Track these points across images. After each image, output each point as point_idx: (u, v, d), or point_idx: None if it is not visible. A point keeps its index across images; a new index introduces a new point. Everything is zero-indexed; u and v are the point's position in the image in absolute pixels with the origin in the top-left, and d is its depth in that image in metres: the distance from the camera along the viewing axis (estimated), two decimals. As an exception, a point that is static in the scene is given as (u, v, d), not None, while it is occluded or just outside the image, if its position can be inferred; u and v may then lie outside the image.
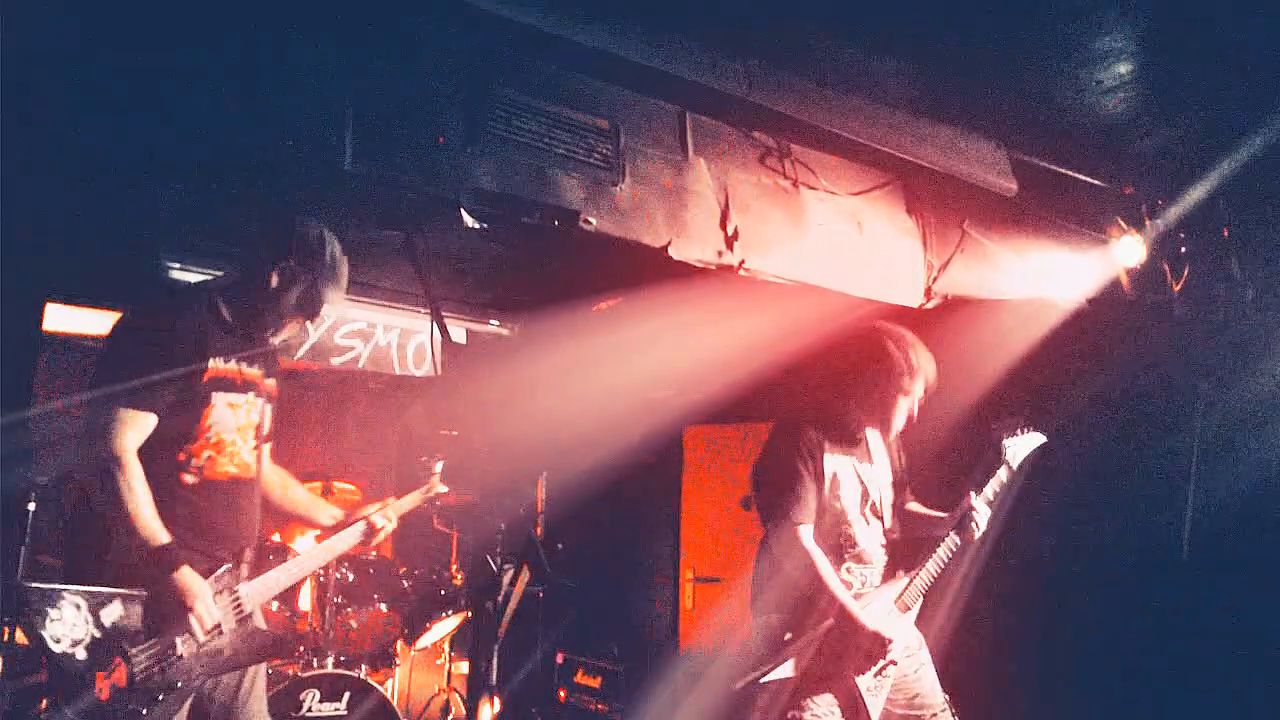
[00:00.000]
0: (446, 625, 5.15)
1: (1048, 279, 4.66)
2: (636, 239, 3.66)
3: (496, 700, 5.55)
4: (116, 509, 2.71)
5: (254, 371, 3.06)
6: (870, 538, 3.59)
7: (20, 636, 2.85)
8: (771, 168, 4.24)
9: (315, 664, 4.46)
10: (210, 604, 2.80)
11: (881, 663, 3.46)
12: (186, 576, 2.75)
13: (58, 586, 2.61)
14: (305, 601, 4.73)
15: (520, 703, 5.87)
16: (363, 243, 3.97)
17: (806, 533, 3.48)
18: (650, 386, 6.05)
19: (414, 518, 5.33)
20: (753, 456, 3.67)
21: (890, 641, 3.40)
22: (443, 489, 3.59)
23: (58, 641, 2.55)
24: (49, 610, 2.55)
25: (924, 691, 3.55)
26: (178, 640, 2.75)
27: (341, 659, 4.60)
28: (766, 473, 3.59)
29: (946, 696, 3.59)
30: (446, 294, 4.33)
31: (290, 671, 4.39)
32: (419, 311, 4.58)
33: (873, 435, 3.79)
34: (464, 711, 5.43)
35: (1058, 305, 4.69)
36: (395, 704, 5.00)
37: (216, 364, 2.95)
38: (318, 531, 3.42)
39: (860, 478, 3.62)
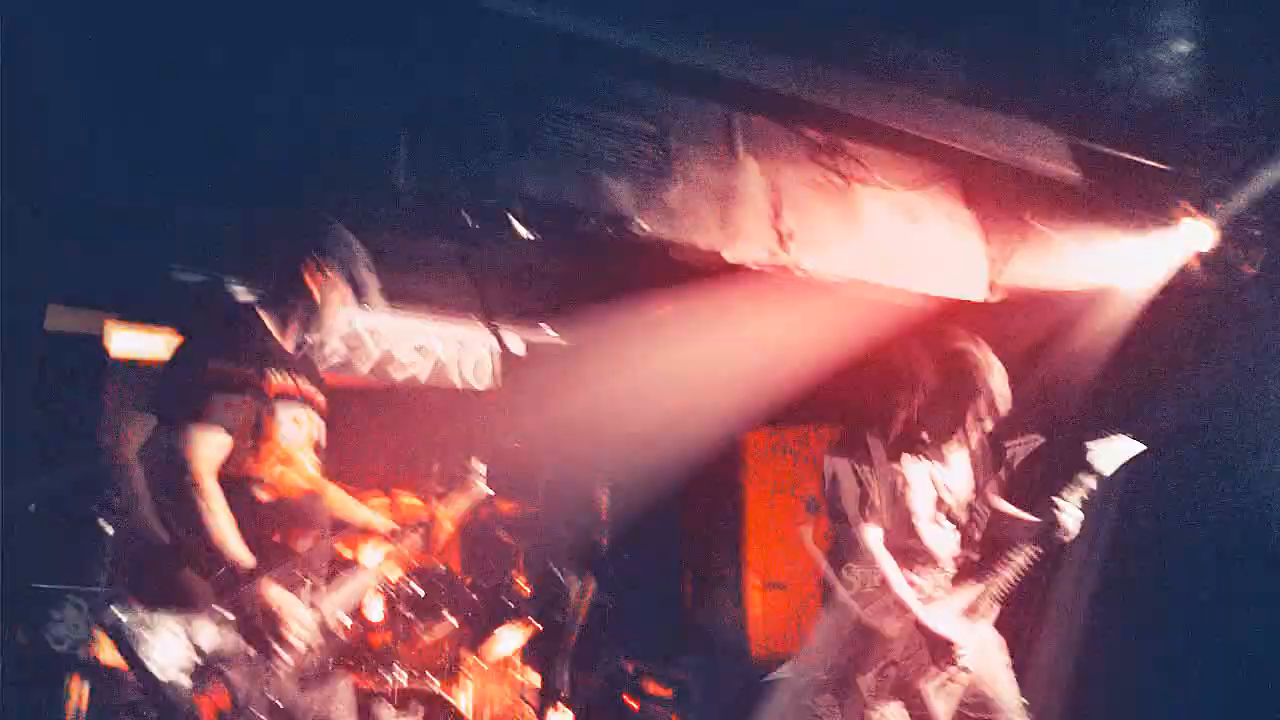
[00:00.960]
0: (516, 637, 5.15)
1: (1115, 267, 4.53)
2: (689, 242, 3.65)
3: (568, 711, 5.57)
4: (200, 532, 2.74)
5: (309, 386, 3.09)
6: (942, 542, 3.52)
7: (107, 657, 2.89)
8: (823, 164, 4.19)
9: (387, 677, 4.49)
10: (305, 620, 2.82)
11: (950, 669, 3.39)
12: (277, 595, 2.77)
13: (154, 613, 2.64)
14: (375, 615, 4.76)
15: (591, 714, 5.85)
16: (419, 257, 4.03)
17: (874, 536, 3.43)
18: (710, 390, 6.02)
19: (478, 529, 5.38)
20: (816, 459, 3.64)
21: (958, 647, 3.33)
22: (488, 490, 3.58)
23: (163, 670, 2.58)
24: (148, 637, 2.58)
25: (1000, 696, 3.46)
26: (273, 659, 2.78)
27: (413, 672, 4.63)
28: (834, 476, 3.55)
29: (1025, 702, 3.50)
30: (504, 305, 4.34)
31: (363, 685, 4.42)
32: (477, 324, 4.60)
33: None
34: (537, 723, 5.43)
35: (1126, 294, 4.56)
36: (468, 716, 5.03)
37: (277, 379, 2.99)
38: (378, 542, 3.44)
39: (934, 481, 3.56)
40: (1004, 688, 3.49)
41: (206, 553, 2.73)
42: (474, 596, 5.14)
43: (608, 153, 3.52)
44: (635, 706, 6.00)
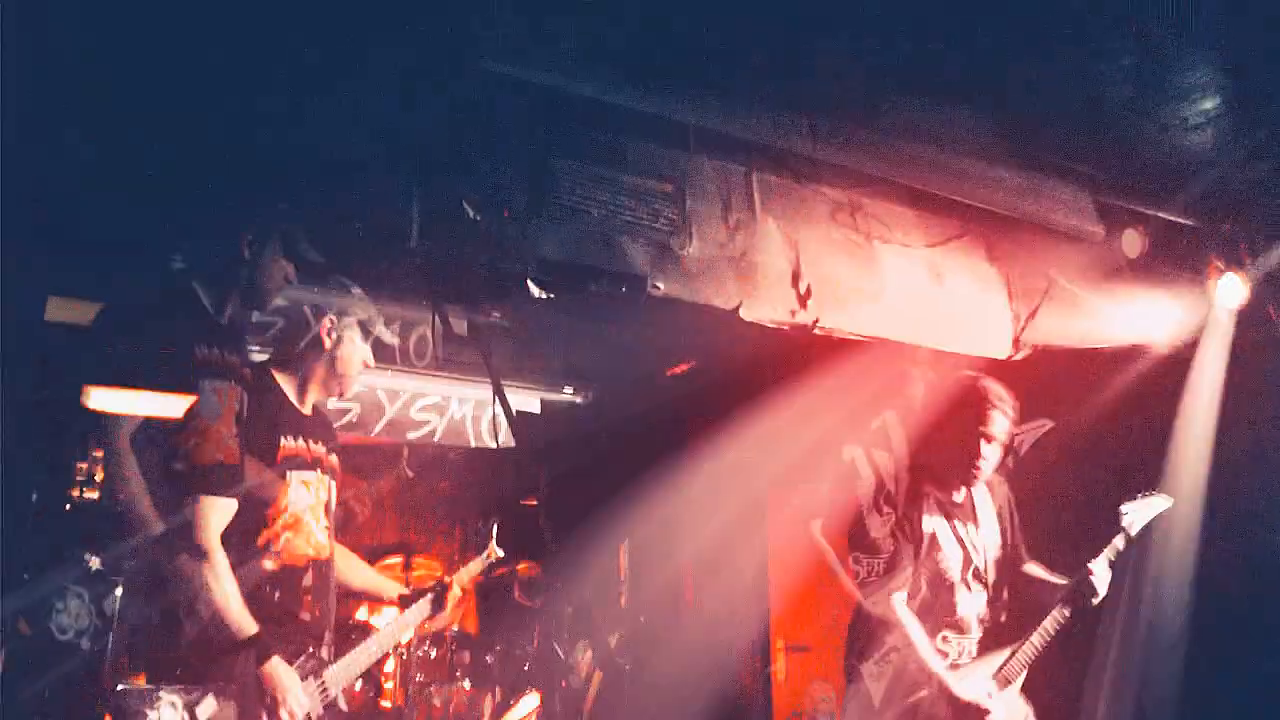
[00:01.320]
0: (532, 702, 5.05)
1: (1143, 324, 4.44)
2: (706, 302, 3.59)
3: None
4: (204, 602, 2.68)
5: (319, 448, 3.06)
6: (970, 605, 3.43)
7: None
8: (842, 223, 4.14)
9: (399, 744, 4.41)
10: (300, 694, 2.76)
11: None
12: (276, 668, 2.72)
13: (153, 688, 2.59)
14: (387, 679, 4.69)
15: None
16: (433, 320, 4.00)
17: (900, 600, 3.35)
18: (731, 447, 5.93)
19: (496, 591, 5.31)
20: (843, 518, 3.57)
21: (988, 714, 3.24)
22: (499, 553, 3.53)
23: None
24: (147, 712, 2.54)
25: None
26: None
27: (426, 737, 4.55)
28: (856, 542, 3.50)
29: None
30: (519, 364, 4.32)
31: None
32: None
33: (980, 495, 3.63)
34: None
35: (1155, 350, 4.47)
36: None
37: (288, 442, 2.95)
38: (393, 608, 3.38)
39: (962, 541, 3.48)
40: None
41: (210, 623, 2.68)
42: (488, 659, 5.07)
43: (623, 212, 3.48)
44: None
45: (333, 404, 4.44)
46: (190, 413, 2.92)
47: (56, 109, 2.77)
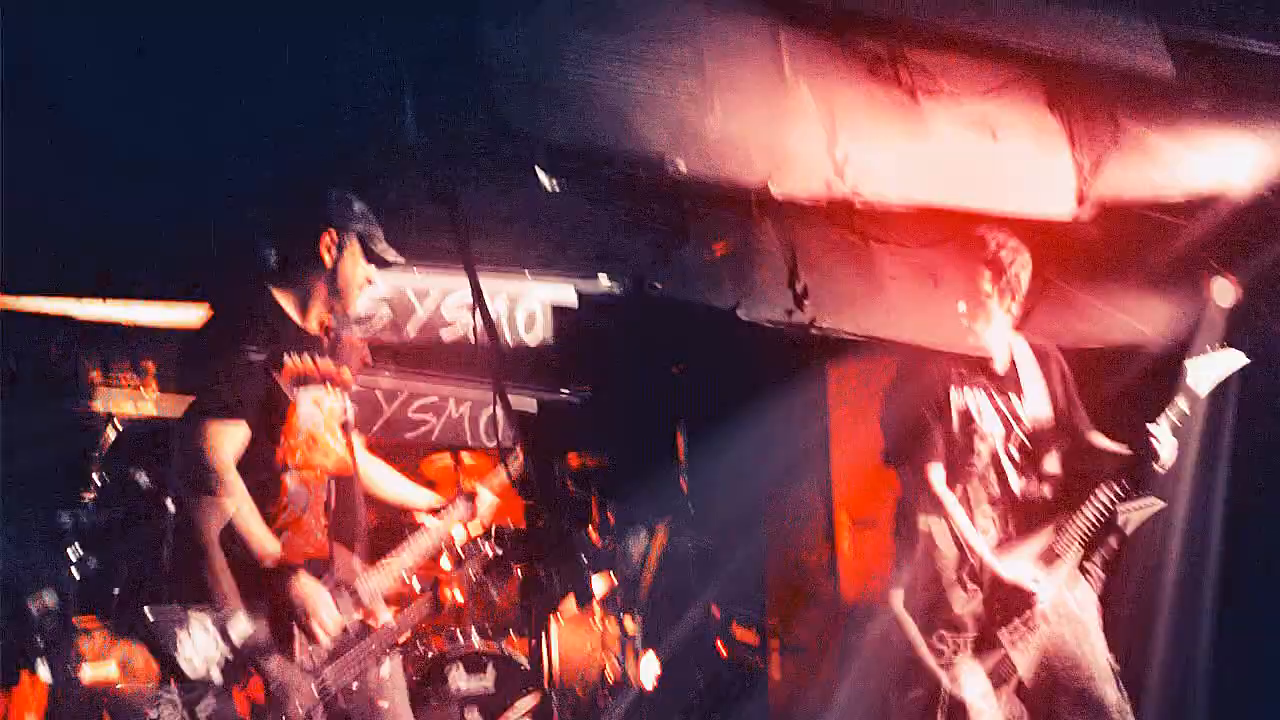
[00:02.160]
0: (593, 588, 5.07)
1: (1224, 169, 4.05)
2: (732, 178, 3.36)
3: (655, 658, 5.49)
4: (224, 524, 2.68)
5: (328, 364, 2.98)
6: (1013, 479, 3.25)
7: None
8: (883, 78, 3.81)
9: (460, 639, 4.46)
10: (331, 608, 2.76)
11: (1026, 615, 3.15)
12: (303, 584, 2.71)
13: (184, 608, 2.59)
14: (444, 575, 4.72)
15: (681, 659, 5.76)
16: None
17: (935, 475, 3.20)
18: (784, 323, 5.74)
19: (547, 484, 5.27)
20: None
21: (1034, 594, 3.10)
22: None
23: (192, 664, 2.55)
24: (178, 633, 2.55)
25: (1084, 657, 3.19)
26: (305, 648, 2.72)
27: (487, 631, 4.59)
28: (889, 416, 3.34)
29: (1115, 664, 3.22)
30: (555, 256, 4.16)
31: (435, 648, 4.40)
32: (524, 275, 4.44)
33: (1026, 364, 3.42)
34: (620, 672, 5.38)
35: (1237, 197, 4.09)
36: (546, 671, 4.98)
37: (293, 360, 2.87)
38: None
39: (1002, 411, 3.28)
40: (1093, 647, 3.22)
41: (233, 544, 2.67)
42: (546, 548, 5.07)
43: (638, 85, 3.23)
44: (724, 652, 5.90)
45: (362, 308, 4.41)
46: (200, 333, 2.88)
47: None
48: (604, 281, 4.27)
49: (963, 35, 3.73)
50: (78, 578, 3.70)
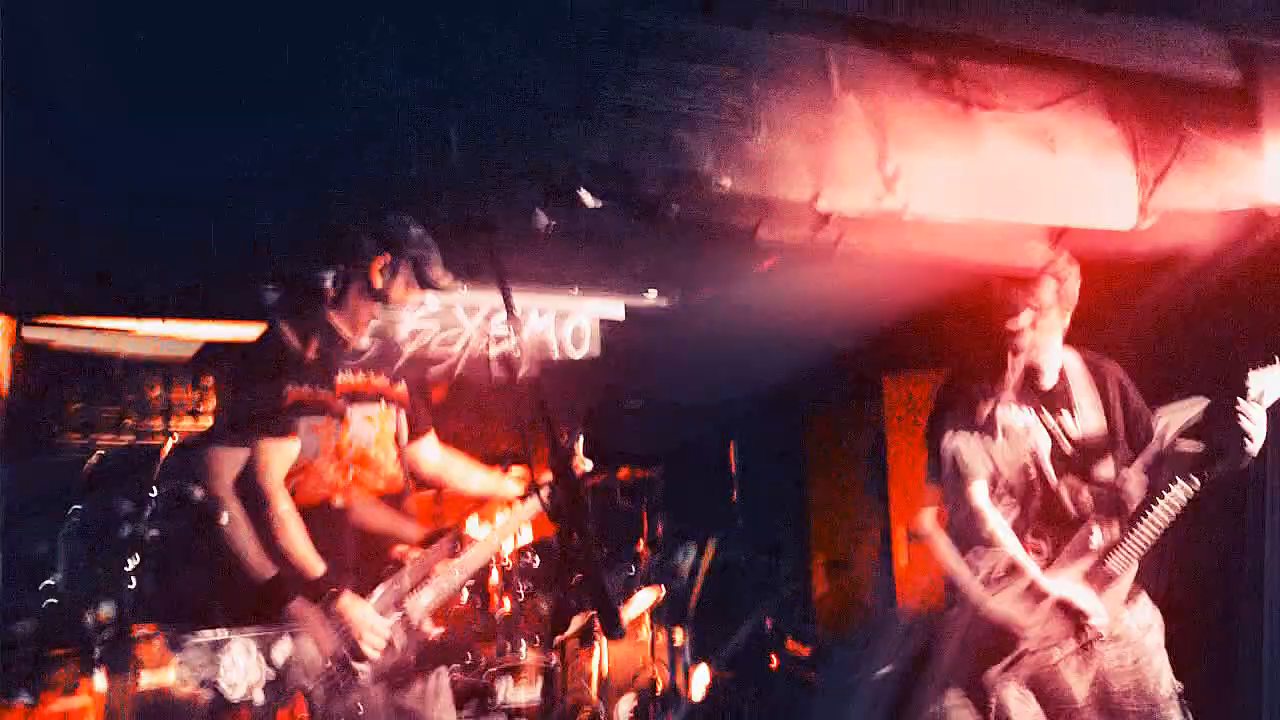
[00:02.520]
0: (641, 602, 5.06)
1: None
2: (778, 195, 3.31)
3: (707, 671, 5.46)
4: (270, 544, 2.72)
5: (381, 380, 3.01)
6: (1064, 497, 3.16)
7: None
8: (935, 91, 3.72)
9: (509, 652, 4.48)
10: (377, 627, 2.78)
11: (1082, 637, 3.06)
12: (349, 605, 2.74)
13: (225, 632, 2.64)
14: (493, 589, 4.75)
15: (731, 672, 5.74)
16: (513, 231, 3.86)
17: (980, 492, 3.13)
18: (839, 337, 5.68)
19: (599, 497, 5.28)
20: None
21: (1087, 614, 3.02)
22: (587, 466, 3.43)
23: (234, 688, 2.58)
24: (223, 658, 2.59)
25: (1146, 681, 3.09)
26: (351, 667, 2.75)
27: (535, 643, 4.60)
28: (932, 434, 3.27)
29: (1178, 687, 3.11)
30: (603, 272, 4.17)
31: (483, 661, 4.43)
32: (572, 292, 4.45)
33: (1076, 377, 3.33)
34: (670, 684, 5.36)
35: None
36: (595, 683, 4.98)
37: (345, 378, 2.91)
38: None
39: (1047, 426, 3.20)
40: (1155, 670, 3.12)
41: (279, 564, 2.71)
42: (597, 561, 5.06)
43: (682, 105, 3.20)
44: (775, 664, 5.85)
45: (412, 323, 4.46)
46: (240, 355, 2.93)
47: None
48: (652, 297, 4.27)
49: (1018, 48, 3.64)
50: (135, 588, 3.77)
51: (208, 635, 2.60)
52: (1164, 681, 3.12)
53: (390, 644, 2.83)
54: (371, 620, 2.76)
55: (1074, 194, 3.95)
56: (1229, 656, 4.01)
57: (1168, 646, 3.19)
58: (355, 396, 2.95)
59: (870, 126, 3.58)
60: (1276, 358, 3.11)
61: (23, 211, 2.57)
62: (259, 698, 2.58)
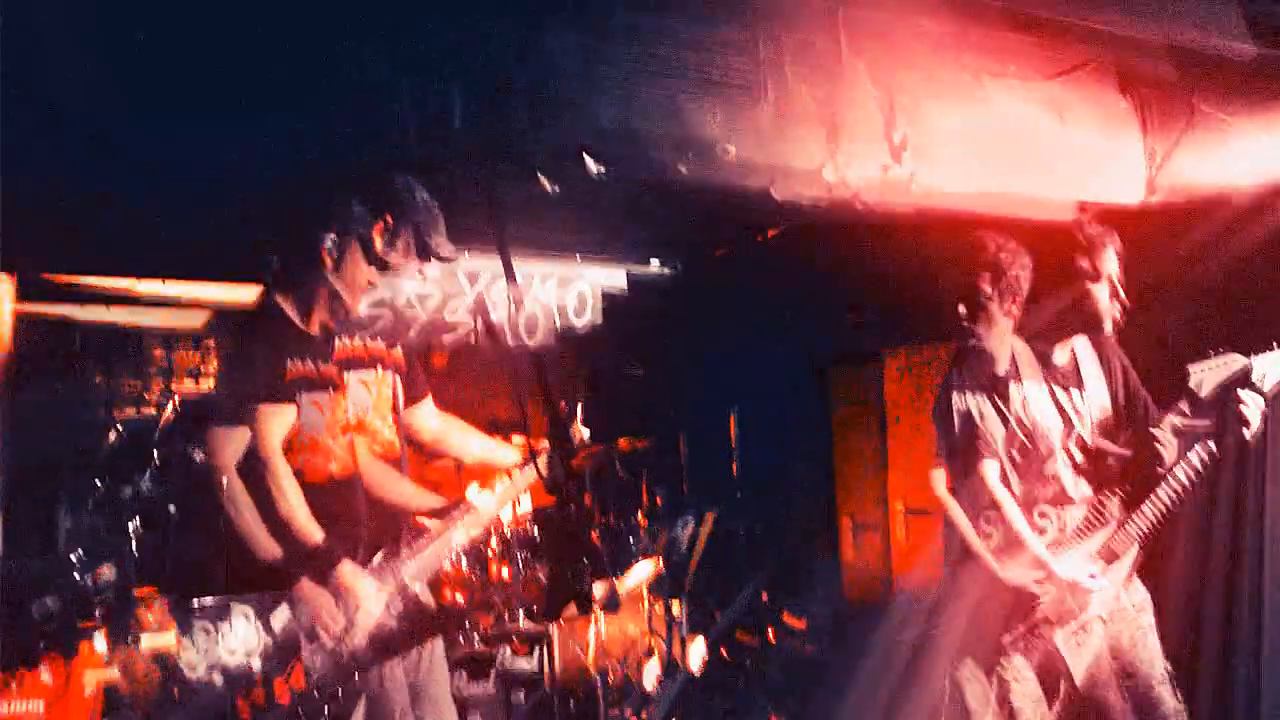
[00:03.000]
0: (639, 573, 5.05)
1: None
2: (785, 163, 3.28)
3: (703, 642, 5.47)
4: (269, 511, 2.70)
5: (377, 345, 2.98)
6: (1070, 477, 3.14)
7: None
8: (946, 59, 3.67)
9: (507, 620, 4.48)
10: (372, 596, 2.76)
11: (1083, 618, 3.05)
12: (346, 573, 2.72)
13: (224, 599, 2.62)
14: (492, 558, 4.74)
15: (728, 644, 5.75)
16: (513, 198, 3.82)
17: (992, 471, 3.11)
18: (839, 310, 5.65)
19: (600, 467, 5.26)
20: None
21: (1089, 593, 3.01)
22: (584, 433, 3.40)
23: (233, 653, 2.58)
24: (220, 624, 2.58)
25: (1140, 661, 3.09)
26: (346, 635, 2.73)
27: (535, 612, 4.60)
28: (940, 410, 3.24)
29: (1169, 668, 3.12)
30: (600, 239, 4.12)
31: (481, 629, 4.43)
32: (575, 259, 4.42)
33: (1084, 351, 3.30)
34: (667, 656, 5.37)
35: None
36: (591, 653, 4.99)
37: (342, 343, 2.88)
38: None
39: (1060, 404, 3.17)
40: (1150, 650, 3.11)
41: (277, 531, 2.69)
42: (593, 534, 5.07)
43: (688, 69, 3.16)
44: (771, 638, 5.86)
45: (413, 289, 4.42)
46: (238, 323, 2.90)
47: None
48: (655, 265, 4.24)
49: (1031, 16, 3.59)
50: (137, 551, 3.78)
51: (207, 602, 2.58)
52: (1157, 662, 3.13)
53: (386, 612, 2.81)
54: (366, 590, 2.74)
55: (1082, 167, 3.92)
56: (1224, 638, 4.01)
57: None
58: (351, 362, 2.92)
59: (879, 94, 3.54)
60: (1276, 344, 3.10)
61: (23, 176, 2.55)
62: (256, 663, 2.57)
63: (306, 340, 2.83)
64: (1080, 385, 3.23)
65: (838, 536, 6.06)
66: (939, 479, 3.27)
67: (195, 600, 2.57)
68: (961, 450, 3.19)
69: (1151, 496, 3.06)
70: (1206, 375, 3.07)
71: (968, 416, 3.15)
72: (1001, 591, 3.08)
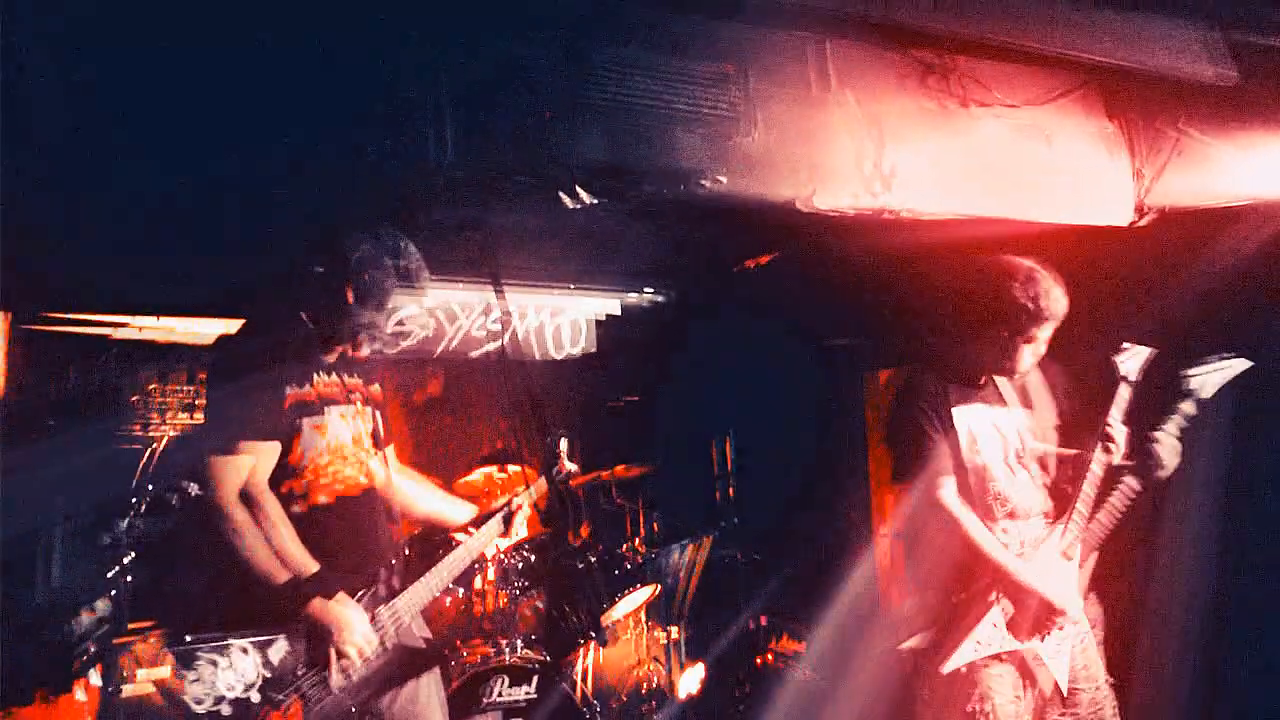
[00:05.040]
0: (634, 600, 5.04)
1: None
2: (773, 193, 3.31)
3: (701, 667, 5.46)
4: (231, 556, 2.70)
5: (355, 380, 2.99)
6: (1021, 489, 3.18)
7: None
8: (933, 88, 3.72)
9: (502, 650, 4.45)
10: (362, 628, 2.75)
11: (1059, 622, 3.08)
12: (330, 606, 2.71)
13: (223, 636, 2.62)
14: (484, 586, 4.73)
15: (725, 669, 5.73)
16: (506, 229, 3.84)
17: (947, 489, 3.12)
18: (827, 335, 5.67)
19: (593, 495, 5.27)
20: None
21: (1057, 598, 3.04)
22: (572, 467, 3.40)
23: (231, 689, 2.57)
24: (219, 660, 2.58)
25: (1090, 662, 3.17)
26: (337, 669, 2.73)
27: (532, 640, 4.58)
28: (894, 433, 3.26)
29: (1110, 679, 3.18)
30: (593, 267, 4.13)
31: (477, 659, 4.40)
32: (568, 289, 4.43)
33: (1030, 374, 3.34)
34: (665, 681, 5.36)
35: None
36: (589, 681, 4.98)
37: (321, 379, 2.88)
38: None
39: (997, 426, 3.21)
40: (1094, 653, 3.19)
41: (251, 574, 2.69)
42: (591, 560, 5.06)
43: (677, 102, 3.19)
44: (768, 661, 5.84)
45: (394, 326, 4.42)
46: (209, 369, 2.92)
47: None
48: (647, 294, 4.24)
49: (1016, 44, 3.62)
50: (130, 585, 3.77)
51: (205, 637, 2.58)
52: (1102, 669, 3.20)
53: (381, 645, 2.81)
54: (354, 622, 2.74)
55: (1070, 191, 3.96)
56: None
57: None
58: (329, 400, 2.92)
59: (866, 123, 3.58)
60: (1208, 357, 3.17)
61: (21, 211, 2.56)
62: (255, 698, 2.57)
63: (302, 371, 2.84)
64: (1006, 403, 3.27)
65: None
66: (948, 488, 3.16)
67: (188, 635, 2.56)
68: (918, 470, 3.19)
69: (1095, 509, 3.12)
70: (1208, 378, 3.15)
71: (919, 438, 3.16)
72: (1025, 596, 3.08)
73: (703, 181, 3.17)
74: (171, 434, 4.05)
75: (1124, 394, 3.20)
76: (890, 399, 3.35)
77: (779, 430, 5.70)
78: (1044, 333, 3.15)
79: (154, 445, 3.96)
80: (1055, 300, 3.10)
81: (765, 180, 3.32)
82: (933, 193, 3.60)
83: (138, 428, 4.01)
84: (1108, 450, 3.14)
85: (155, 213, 2.93)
